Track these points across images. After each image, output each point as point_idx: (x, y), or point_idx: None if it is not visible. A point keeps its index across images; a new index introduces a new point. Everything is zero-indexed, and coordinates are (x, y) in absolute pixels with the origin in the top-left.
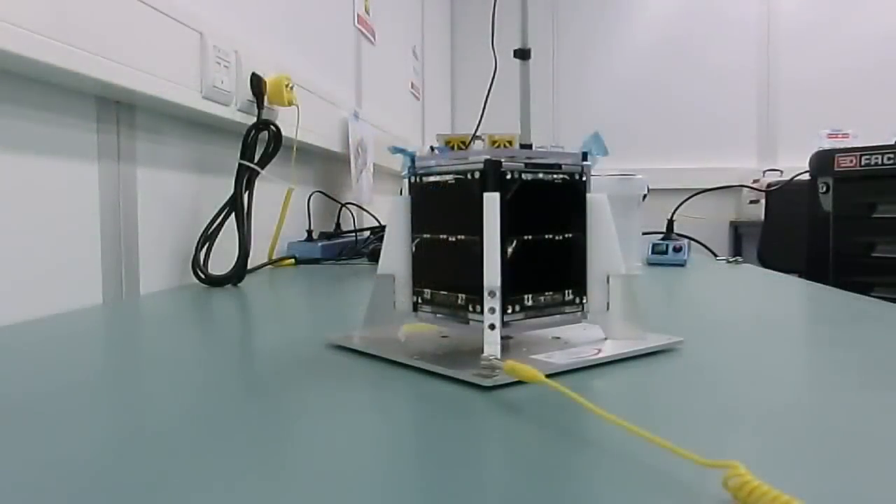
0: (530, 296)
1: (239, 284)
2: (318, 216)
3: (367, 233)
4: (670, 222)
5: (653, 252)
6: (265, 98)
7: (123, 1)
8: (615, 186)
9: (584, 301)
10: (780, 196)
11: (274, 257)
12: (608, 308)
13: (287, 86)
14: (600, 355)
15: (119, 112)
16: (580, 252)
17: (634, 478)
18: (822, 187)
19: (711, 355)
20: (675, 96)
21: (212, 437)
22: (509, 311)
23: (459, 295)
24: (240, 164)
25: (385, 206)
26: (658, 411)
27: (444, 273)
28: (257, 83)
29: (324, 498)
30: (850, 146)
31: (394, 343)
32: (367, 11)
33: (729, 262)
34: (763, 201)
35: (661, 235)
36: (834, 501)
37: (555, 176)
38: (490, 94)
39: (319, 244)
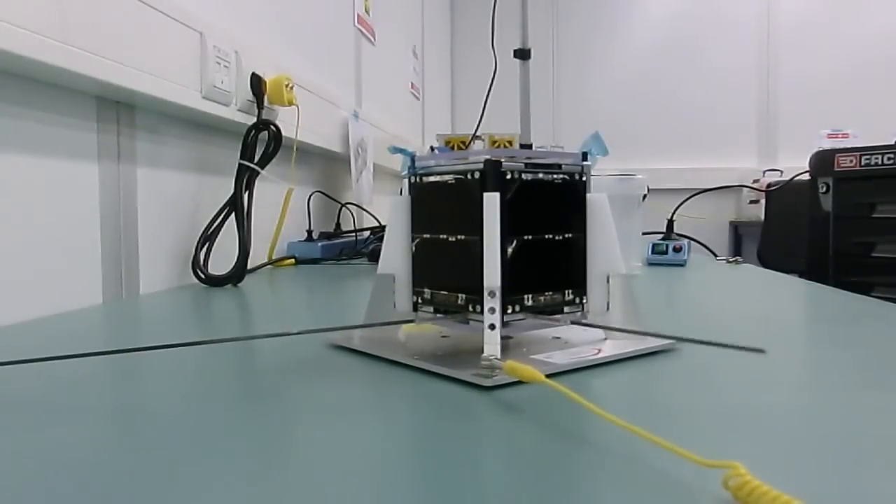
0: (530, 296)
1: (239, 284)
2: (318, 216)
3: (367, 233)
4: (670, 222)
5: (653, 252)
6: (265, 98)
7: (123, 1)
8: (615, 186)
9: (584, 301)
10: (780, 196)
11: (274, 257)
12: (608, 308)
13: (287, 86)
14: (600, 355)
15: (119, 112)
16: (580, 252)
17: (634, 478)
18: (822, 187)
19: (711, 355)
20: (675, 96)
21: (212, 436)
22: (509, 311)
23: (459, 295)
24: (240, 164)
25: (385, 206)
26: (658, 411)
27: (444, 273)
28: (257, 83)
29: (324, 498)
30: (850, 146)
31: (394, 343)
32: (367, 11)
33: (729, 262)
34: (763, 201)
35: (661, 235)
36: (834, 501)
37: (555, 176)
38: (490, 94)
39: (319, 244)
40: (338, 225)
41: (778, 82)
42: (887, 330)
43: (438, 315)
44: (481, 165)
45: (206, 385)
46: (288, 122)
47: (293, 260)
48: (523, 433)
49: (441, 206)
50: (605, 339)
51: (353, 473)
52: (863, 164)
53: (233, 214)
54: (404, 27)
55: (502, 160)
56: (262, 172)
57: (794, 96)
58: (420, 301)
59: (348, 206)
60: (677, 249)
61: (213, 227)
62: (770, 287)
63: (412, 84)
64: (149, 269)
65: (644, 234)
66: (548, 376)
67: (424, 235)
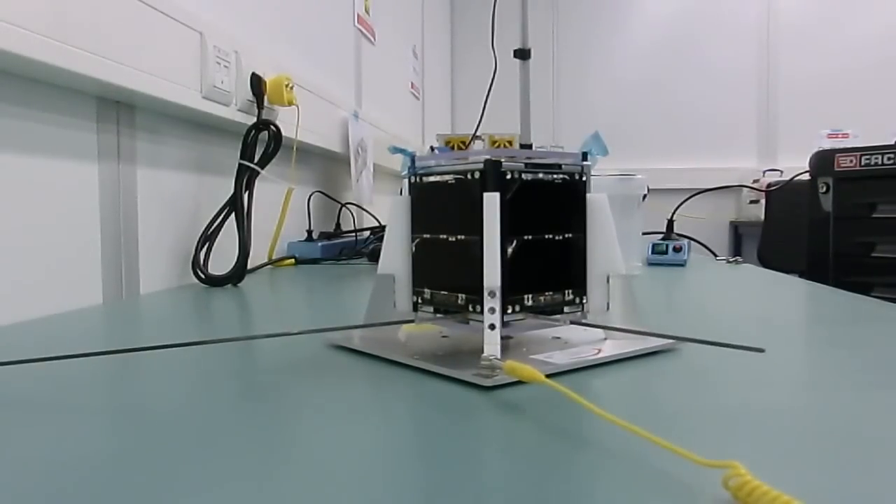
0: (530, 296)
1: (239, 284)
2: (318, 216)
3: (367, 233)
4: (670, 222)
5: (653, 252)
6: (265, 98)
7: (123, 1)
8: (615, 186)
9: (584, 301)
10: (780, 196)
11: (274, 257)
12: (608, 308)
13: (287, 86)
14: (600, 355)
15: (119, 112)
16: (580, 252)
17: (634, 478)
18: (822, 187)
19: (711, 355)
20: (675, 96)
21: (212, 436)
22: (509, 311)
23: (459, 295)
24: (240, 164)
25: (385, 206)
26: (658, 411)
27: (444, 273)
28: (257, 83)
29: (324, 498)
30: (850, 146)
31: (394, 343)
32: (367, 11)
33: (729, 262)
34: (763, 201)
35: (661, 235)
36: (834, 501)
37: (555, 176)
38: (490, 94)
39: (319, 244)
40: (338, 225)
41: (778, 82)
42: (887, 330)
43: (438, 315)
44: (481, 165)
45: (206, 385)
46: (288, 122)
47: (293, 260)
48: (523, 433)
49: (441, 206)
50: (605, 339)
51: (354, 473)
52: (863, 164)
53: (233, 214)
54: (404, 27)
55: (502, 160)
56: (262, 172)
57: (794, 96)
58: (420, 301)
59: (348, 206)
60: (677, 249)
61: (213, 227)
62: (770, 287)
63: (412, 84)
64: (149, 269)
65: (644, 234)
66: (548, 376)
67: (424, 235)
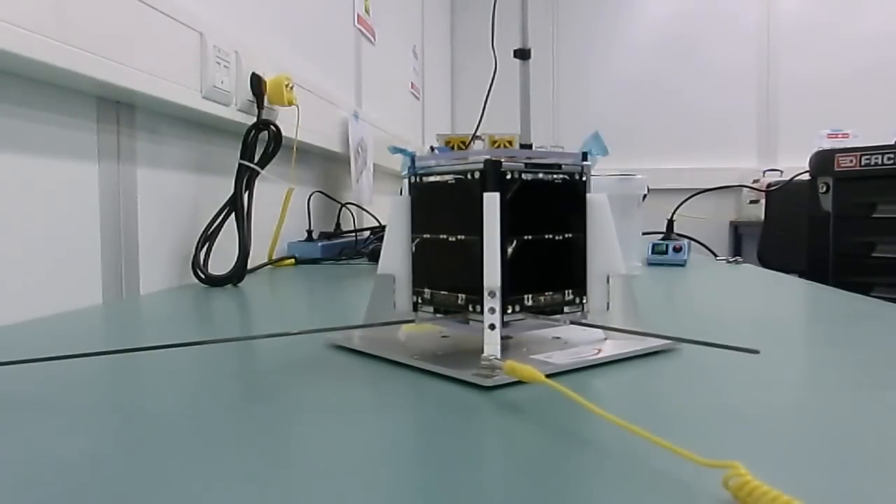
0: (530, 296)
1: (239, 284)
2: (318, 216)
3: (367, 233)
4: (670, 222)
5: (653, 252)
6: (265, 98)
7: (123, 1)
8: (615, 186)
9: (584, 301)
10: (780, 196)
11: (274, 257)
12: (608, 308)
13: (287, 86)
14: (600, 355)
15: (119, 112)
16: (580, 252)
17: (634, 478)
18: (822, 187)
19: (711, 355)
20: (675, 96)
21: (212, 436)
22: (509, 311)
23: (459, 295)
24: (240, 164)
25: (385, 206)
26: (658, 411)
27: (444, 273)
28: (257, 83)
29: (324, 498)
30: (850, 146)
31: (394, 343)
32: (367, 11)
33: (729, 262)
34: (763, 201)
35: (661, 235)
36: (834, 501)
37: (555, 176)
38: (490, 94)
39: (319, 244)
40: (338, 225)
41: (778, 82)
42: (887, 330)
43: (438, 315)
44: (481, 165)
45: (206, 385)
46: (288, 122)
47: (293, 260)
48: (523, 433)
49: (441, 206)
50: (605, 339)
51: (354, 473)
52: (863, 164)
53: (233, 214)
54: (404, 27)
55: (502, 160)
56: (262, 172)
57: (794, 96)
58: (420, 301)
59: (348, 206)
60: (677, 249)
61: (213, 227)
62: (770, 287)
63: (412, 84)
64: (149, 269)
65: (644, 234)
66: (548, 376)
67: (424, 235)
